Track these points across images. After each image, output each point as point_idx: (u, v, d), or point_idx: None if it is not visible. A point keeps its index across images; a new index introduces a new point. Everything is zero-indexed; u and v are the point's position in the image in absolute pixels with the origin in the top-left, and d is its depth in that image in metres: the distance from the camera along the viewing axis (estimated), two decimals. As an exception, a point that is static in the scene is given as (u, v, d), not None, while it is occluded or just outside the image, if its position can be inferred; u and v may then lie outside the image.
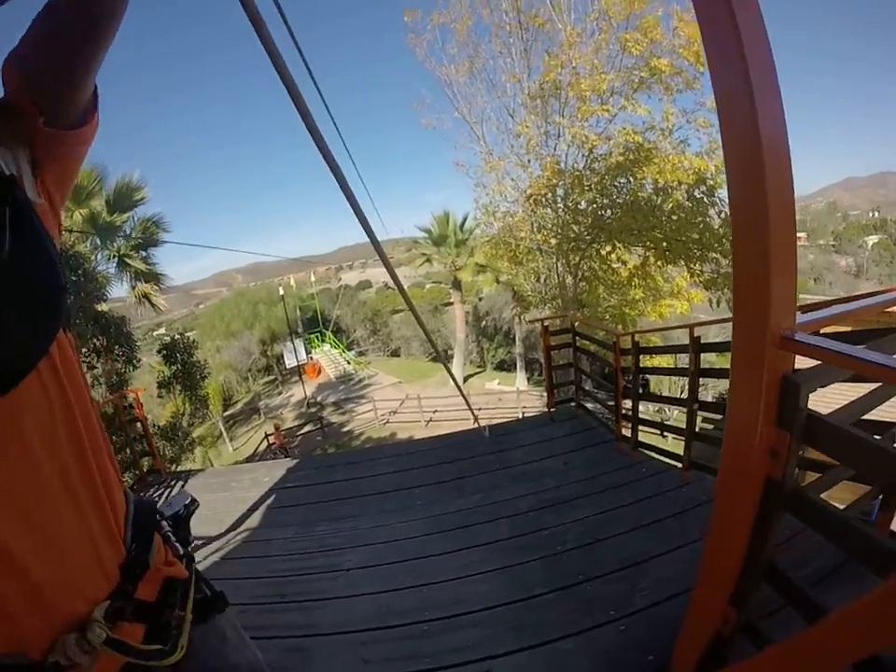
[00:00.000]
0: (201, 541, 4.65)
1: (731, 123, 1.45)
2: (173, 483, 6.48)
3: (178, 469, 9.09)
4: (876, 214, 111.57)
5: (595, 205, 14.52)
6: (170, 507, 1.27)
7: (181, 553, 1.13)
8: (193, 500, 1.35)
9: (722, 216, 13.30)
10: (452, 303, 32.31)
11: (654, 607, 2.75)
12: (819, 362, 1.45)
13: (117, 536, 0.92)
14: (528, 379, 28.43)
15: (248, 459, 21.26)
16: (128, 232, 13.18)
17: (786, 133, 1.37)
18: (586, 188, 14.46)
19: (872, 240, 77.64)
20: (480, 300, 39.65)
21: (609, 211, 14.27)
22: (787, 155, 1.38)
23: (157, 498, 5.76)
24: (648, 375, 8.91)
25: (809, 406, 1.46)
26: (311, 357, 35.79)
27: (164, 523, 1.16)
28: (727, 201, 12.82)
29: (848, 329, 4.22)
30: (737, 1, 1.27)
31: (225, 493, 5.93)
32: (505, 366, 35.44)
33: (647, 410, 15.42)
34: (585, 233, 14.80)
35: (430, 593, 3.24)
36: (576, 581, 3.09)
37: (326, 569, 3.81)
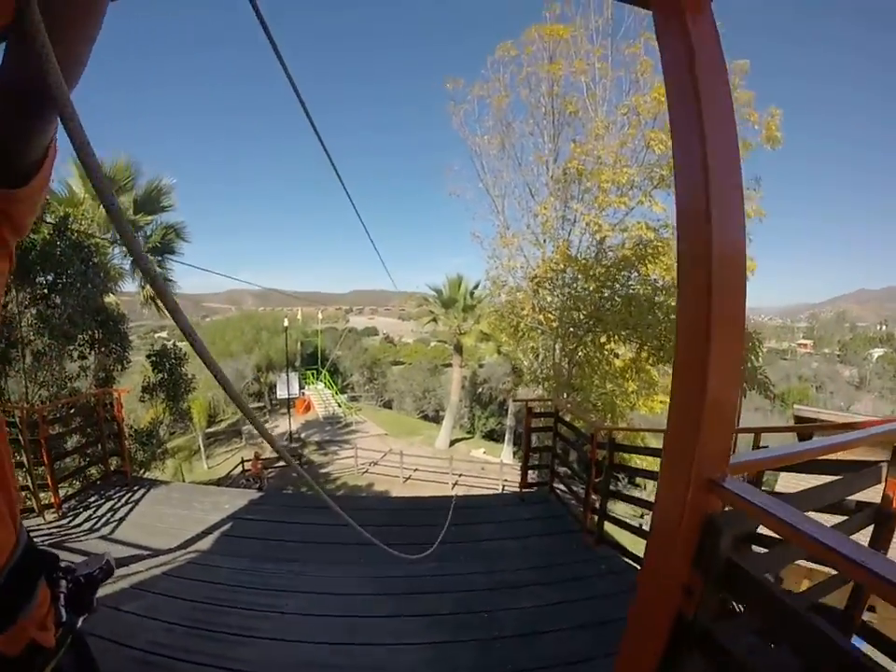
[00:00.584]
0: (147, 552, 4.64)
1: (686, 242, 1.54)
2: (136, 488, 6.44)
3: (144, 476, 9.02)
4: (884, 327, 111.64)
5: (597, 295, 14.74)
6: (86, 566, 1.19)
7: (63, 620, 1.03)
8: (111, 567, 1.28)
9: None
10: (451, 365, 32.36)
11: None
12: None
13: None
14: (514, 453, 28.17)
15: (220, 480, 21.01)
16: (149, 234, 13.44)
17: (743, 300, 1.47)
18: (591, 276, 14.72)
19: (877, 353, 77.28)
20: (480, 366, 39.71)
21: (608, 303, 14.49)
22: (740, 318, 1.48)
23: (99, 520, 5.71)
24: (629, 473, 8.87)
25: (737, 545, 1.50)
26: (303, 393, 35.62)
27: (63, 582, 1.08)
28: None
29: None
30: (710, 126, 1.39)
31: (184, 511, 5.89)
32: (494, 436, 35.17)
33: (632, 508, 15.16)
34: (584, 321, 15.00)
35: (357, 654, 3.21)
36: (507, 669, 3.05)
37: (262, 608, 3.78)
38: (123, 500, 6.06)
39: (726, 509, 1.56)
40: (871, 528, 2.41)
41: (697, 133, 1.40)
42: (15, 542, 0.90)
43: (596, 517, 5.13)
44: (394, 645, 3.31)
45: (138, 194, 13.39)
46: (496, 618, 3.69)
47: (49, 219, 9.23)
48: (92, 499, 6.08)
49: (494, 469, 21.40)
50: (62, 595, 1.03)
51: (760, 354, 14.36)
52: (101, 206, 12.34)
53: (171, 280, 14.30)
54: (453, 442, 29.63)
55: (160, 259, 13.66)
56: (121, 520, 5.53)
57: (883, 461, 2.32)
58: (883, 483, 2.37)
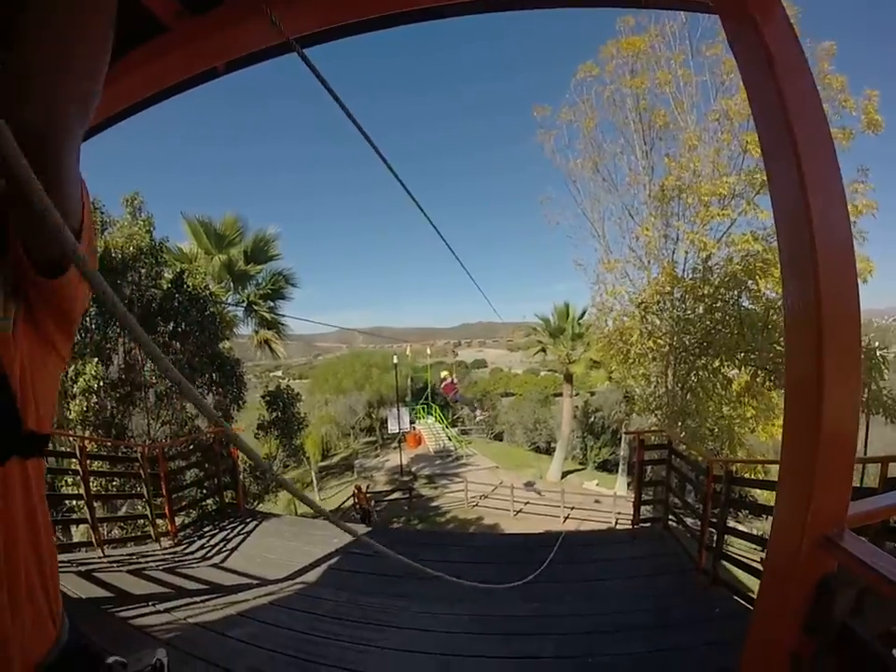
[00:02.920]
0: (255, 582, 4.80)
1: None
2: (248, 520, 6.74)
3: (257, 509, 9.44)
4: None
5: (707, 317, 13.95)
6: (138, 661, 1.06)
7: None
8: (162, 667, 1.11)
9: None
10: (562, 394, 31.76)
11: None
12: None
13: None
14: (629, 484, 27.05)
15: (332, 512, 21.52)
16: (259, 282, 14.36)
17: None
18: (698, 297, 14.00)
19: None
20: (592, 394, 38.75)
21: (719, 324, 13.64)
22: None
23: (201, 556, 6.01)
24: (748, 508, 8.22)
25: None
26: (413, 427, 36.11)
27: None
28: None
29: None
30: (795, 112, 1.23)
31: (293, 543, 6.11)
32: (608, 466, 33.86)
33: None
34: (695, 345, 14.21)
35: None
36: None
37: (362, 642, 3.79)
38: (236, 531, 6.34)
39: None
40: None
41: (788, 140, 1.26)
42: (53, 641, 0.87)
43: (712, 556, 4.76)
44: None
45: (247, 246, 14.36)
46: (599, 665, 3.47)
47: (167, 275, 10.12)
48: (207, 529, 6.43)
49: (607, 501, 20.59)
50: None
51: (884, 370, 12.91)
52: (212, 259, 13.38)
53: (283, 324, 15.11)
54: (565, 474, 28.88)
55: (271, 304, 14.54)
56: (233, 549, 5.80)
57: None
58: None
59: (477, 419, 45.99)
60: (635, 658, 3.55)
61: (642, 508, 6.55)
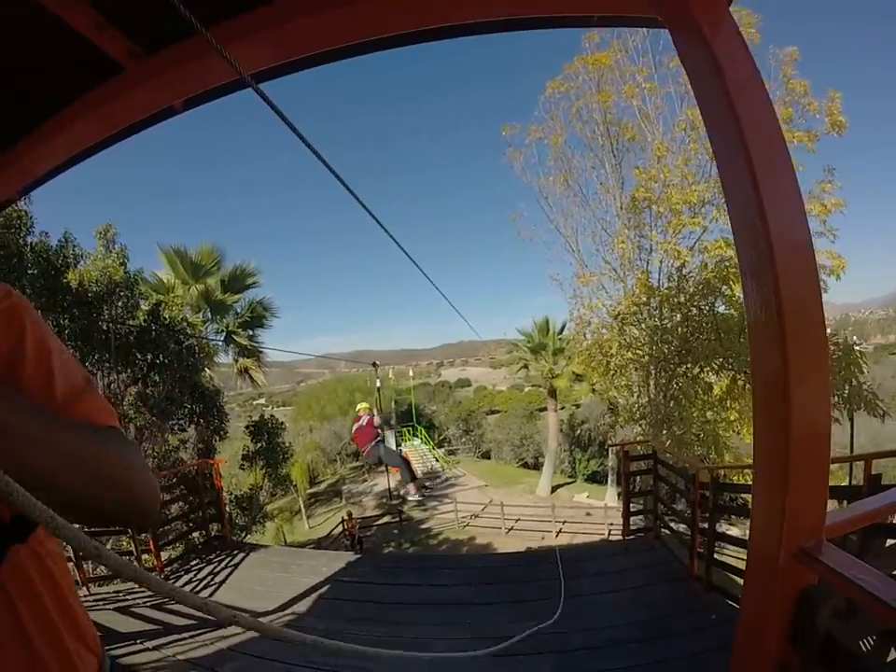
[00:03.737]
0: (246, 614, 4.68)
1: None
2: (235, 552, 6.63)
3: (244, 540, 9.30)
4: None
5: (681, 327, 14.10)
6: None
7: None
8: None
9: None
10: (547, 409, 31.81)
11: None
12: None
13: None
14: (619, 494, 27.08)
15: (320, 540, 21.29)
16: (238, 312, 14.33)
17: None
18: (674, 306, 14.15)
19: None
20: (577, 407, 38.88)
21: (696, 332, 13.81)
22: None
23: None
24: (737, 513, 8.26)
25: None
26: (400, 450, 35.87)
27: None
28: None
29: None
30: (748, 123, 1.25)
31: (282, 573, 6.02)
32: (597, 478, 33.84)
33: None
34: (673, 353, 14.34)
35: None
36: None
37: (355, 669, 3.77)
38: (223, 564, 6.25)
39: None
40: None
41: (741, 150, 1.27)
42: None
43: (704, 562, 4.75)
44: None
45: (224, 276, 14.34)
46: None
47: (143, 306, 10.03)
48: (194, 563, 6.34)
49: (598, 513, 20.58)
50: None
51: (863, 365, 13.10)
52: (190, 289, 13.35)
53: (261, 351, 15.07)
54: (555, 488, 28.88)
55: (250, 332, 14.51)
56: (221, 583, 5.72)
57: None
58: None
59: (463, 439, 45.76)
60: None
61: (634, 518, 6.55)
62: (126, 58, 1.77)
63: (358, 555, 7.72)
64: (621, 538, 6.45)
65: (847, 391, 12.33)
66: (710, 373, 14.04)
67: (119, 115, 2.05)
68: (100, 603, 5.15)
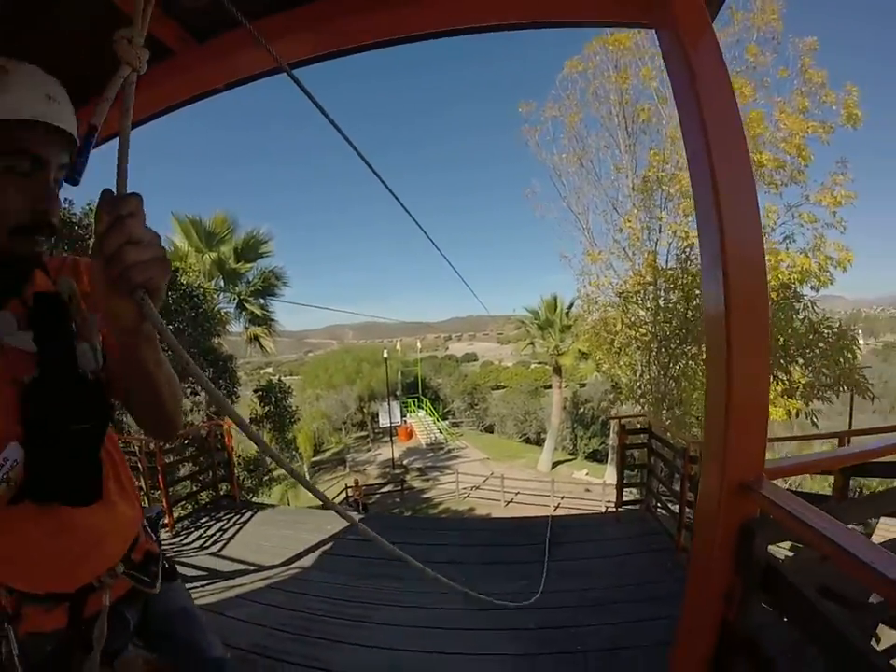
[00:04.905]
0: (252, 568, 4.99)
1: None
2: (244, 511, 6.88)
3: (252, 500, 9.61)
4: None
5: (683, 305, 14.23)
6: (148, 511, 1.58)
7: (154, 539, 1.49)
8: (161, 513, 1.78)
9: (806, 322, 12.91)
10: (551, 386, 32.04)
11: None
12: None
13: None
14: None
15: (324, 506, 21.71)
16: (250, 280, 14.49)
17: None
18: (677, 287, 14.28)
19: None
20: (581, 386, 39.11)
21: (696, 313, 13.97)
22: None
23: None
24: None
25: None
26: (405, 421, 36.36)
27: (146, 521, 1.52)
28: (812, 306, 12.05)
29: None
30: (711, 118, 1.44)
31: (288, 531, 6.28)
32: (597, 456, 34.22)
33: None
34: (674, 334, 14.50)
35: (441, 661, 3.31)
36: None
37: (355, 618, 3.99)
38: (232, 522, 6.50)
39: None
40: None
41: (705, 152, 1.45)
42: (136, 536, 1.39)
43: (691, 534, 4.98)
44: (475, 655, 3.42)
45: (237, 244, 14.48)
46: (579, 634, 3.67)
47: None
48: (203, 520, 6.58)
49: (597, 490, 20.91)
50: (146, 528, 1.49)
51: (857, 351, 13.27)
52: (203, 257, 13.50)
53: (274, 320, 15.25)
54: (555, 465, 29.24)
55: (262, 301, 14.68)
56: (230, 539, 5.96)
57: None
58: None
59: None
60: (613, 627, 3.76)
61: (626, 491, 6.77)
62: (179, 44, 1.95)
63: (362, 515, 7.99)
64: (614, 510, 6.68)
65: (838, 371, 12.58)
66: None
67: (169, 93, 2.23)
68: None
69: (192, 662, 1.50)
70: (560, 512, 18.60)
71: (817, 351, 12.81)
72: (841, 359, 12.52)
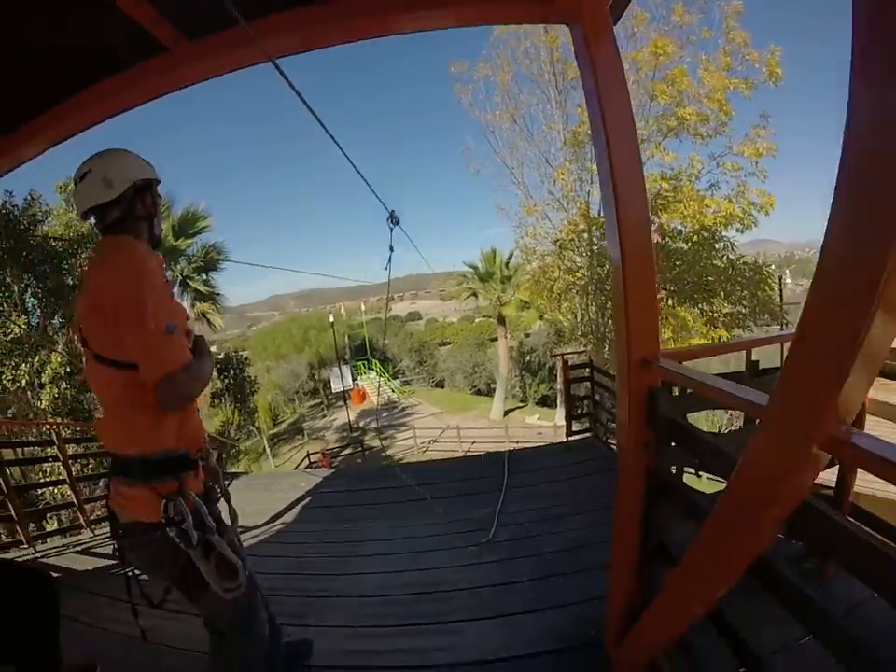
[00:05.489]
0: (240, 529, 5.31)
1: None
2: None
3: (225, 471, 9.89)
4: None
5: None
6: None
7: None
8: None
9: (725, 259, 14.07)
10: (497, 338, 32.79)
11: (611, 595, 3.23)
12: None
13: None
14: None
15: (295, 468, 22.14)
16: (191, 256, 14.43)
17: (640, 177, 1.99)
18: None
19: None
20: (526, 335, 39.99)
21: None
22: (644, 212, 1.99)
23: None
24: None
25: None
26: (357, 384, 36.63)
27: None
28: (731, 245, 13.15)
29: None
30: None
31: (266, 493, 6.63)
32: (548, 401, 35.35)
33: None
34: (608, 276, 15.30)
35: (427, 575, 3.81)
36: (551, 574, 3.59)
37: (343, 555, 4.44)
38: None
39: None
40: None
41: (602, 131, 1.91)
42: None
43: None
44: (455, 566, 3.91)
45: (175, 221, 14.32)
46: (545, 540, 4.19)
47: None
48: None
49: (549, 432, 21.84)
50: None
51: (772, 285, 14.55)
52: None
53: (219, 294, 15.23)
54: (507, 412, 30.19)
55: (205, 277, 14.65)
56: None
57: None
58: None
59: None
60: (574, 532, 4.29)
61: (578, 424, 7.34)
62: (173, 41, 2.21)
63: (332, 470, 8.36)
64: (565, 439, 7.21)
65: (755, 302, 13.79)
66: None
67: (163, 85, 2.49)
68: (106, 540, 5.34)
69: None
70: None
71: (736, 285, 13.87)
72: (759, 292, 13.67)
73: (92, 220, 1.76)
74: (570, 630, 2.94)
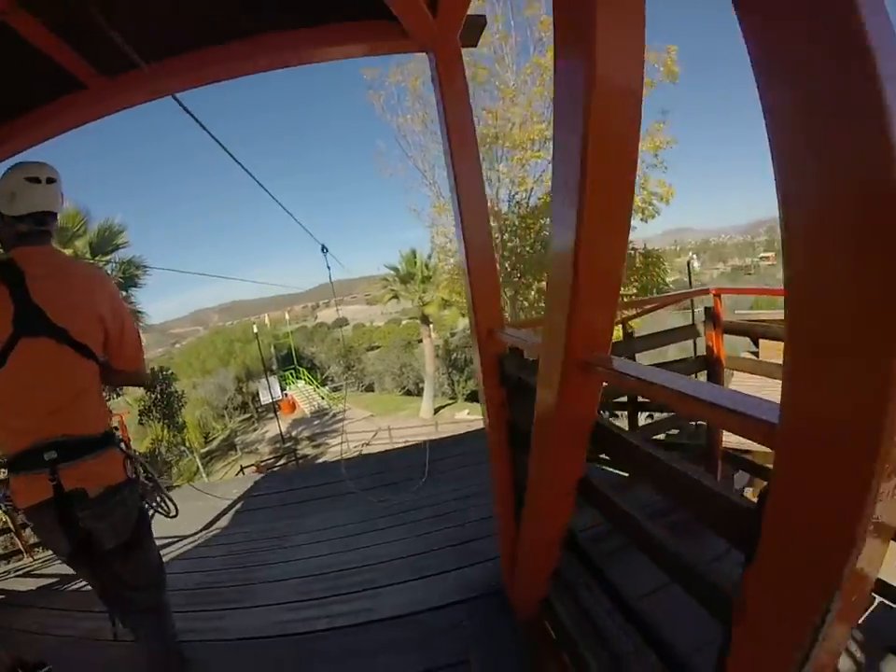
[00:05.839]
0: (177, 537, 5.50)
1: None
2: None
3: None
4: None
5: (513, 243, 16.04)
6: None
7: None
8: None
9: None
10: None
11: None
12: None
13: None
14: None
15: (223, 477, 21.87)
16: (110, 272, 14.15)
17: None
18: (508, 228, 16.03)
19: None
20: (452, 335, 40.54)
21: (527, 249, 15.72)
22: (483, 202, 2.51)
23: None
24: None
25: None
26: (285, 394, 36.23)
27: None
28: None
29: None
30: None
31: (199, 502, 6.71)
32: (476, 397, 35.81)
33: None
34: (512, 268, 16.18)
35: (358, 553, 4.22)
36: (467, 540, 4.07)
37: (279, 546, 4.78)
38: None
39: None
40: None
41: (448, 142, 2.40)
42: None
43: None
44: (379, 544, 4.35)
45: (92, 238, 14.06)
46: (463, 512, 4.66)
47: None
48: (119, 507, 6.89)
49: (478, 425, 22.28)
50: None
51: (666, 267, 16.19)
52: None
53: (142, 312, 15.00)
54: (437, 410, 30.73)
55: (125, 293, 14.39)
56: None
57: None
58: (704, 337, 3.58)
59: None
60: (492, 505, 4.75)
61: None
62: (90, 78, 2.44)
63: (263, 474, 8.53)
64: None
65: (645, 280, 15.09)
66: (540, 282, 16.08)
67: (79, 117, 2.73)
68: (47, 563, 5.28)
69: None
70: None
71: (628, 270, 14.98)
72: (646, 276, 14.84)
73: (29, 223, 1.93)
74: (481, 581, 3.41)
